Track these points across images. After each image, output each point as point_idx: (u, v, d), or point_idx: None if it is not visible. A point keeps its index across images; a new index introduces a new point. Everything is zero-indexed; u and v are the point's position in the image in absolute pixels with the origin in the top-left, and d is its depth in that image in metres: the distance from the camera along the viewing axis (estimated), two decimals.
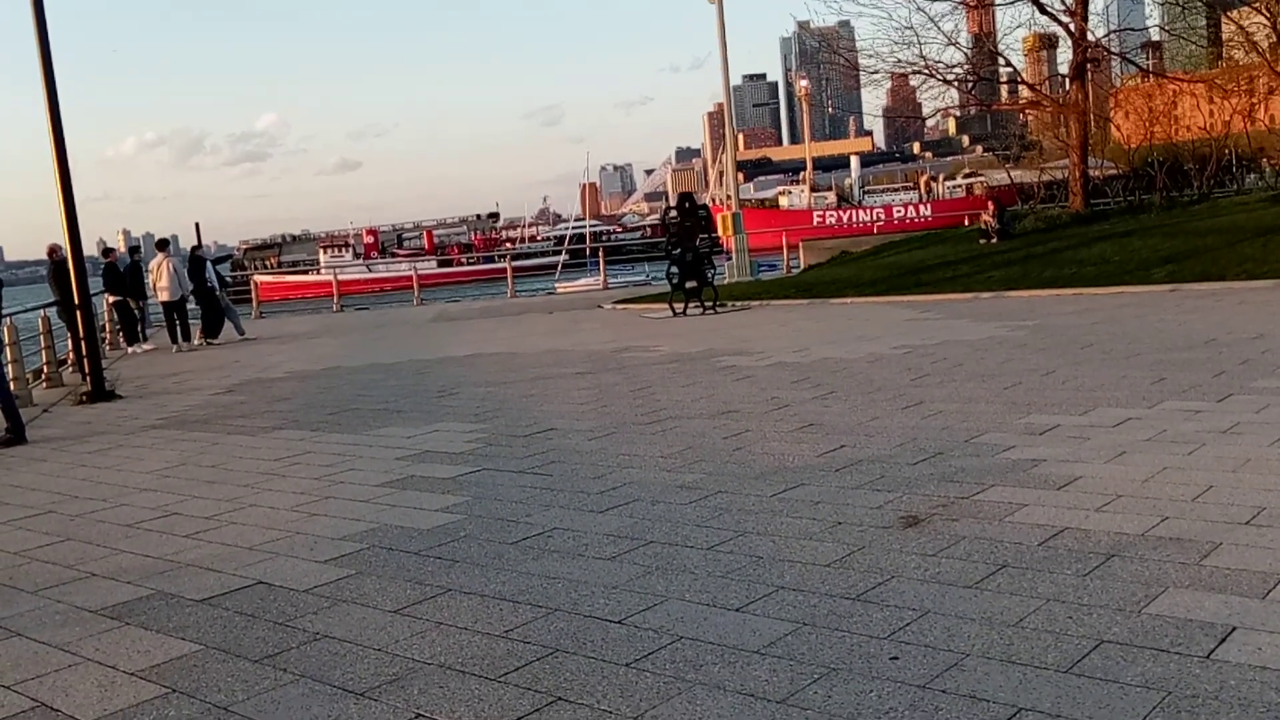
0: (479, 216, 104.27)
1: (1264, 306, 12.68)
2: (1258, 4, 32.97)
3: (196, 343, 20.41)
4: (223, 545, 5.86)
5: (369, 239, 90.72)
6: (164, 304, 20.29)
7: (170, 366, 17.08)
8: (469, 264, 70.84)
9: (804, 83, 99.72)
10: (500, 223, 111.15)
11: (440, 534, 5.69)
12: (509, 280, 31.65)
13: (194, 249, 23.14)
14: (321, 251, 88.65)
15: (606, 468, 6.96)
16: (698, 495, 6.05)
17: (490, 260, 67.75)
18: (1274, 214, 20.30)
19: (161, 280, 20.00)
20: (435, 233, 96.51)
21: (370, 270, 70.53)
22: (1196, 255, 17.32)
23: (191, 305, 21.12)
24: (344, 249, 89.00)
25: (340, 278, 36.08)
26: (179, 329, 20.15)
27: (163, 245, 21.07)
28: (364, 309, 32.46)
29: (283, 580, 5.11)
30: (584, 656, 3.88)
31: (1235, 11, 42.62)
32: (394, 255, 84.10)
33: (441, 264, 71.99)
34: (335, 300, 31.82)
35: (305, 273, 71.07)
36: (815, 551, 4.89)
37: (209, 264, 21.43)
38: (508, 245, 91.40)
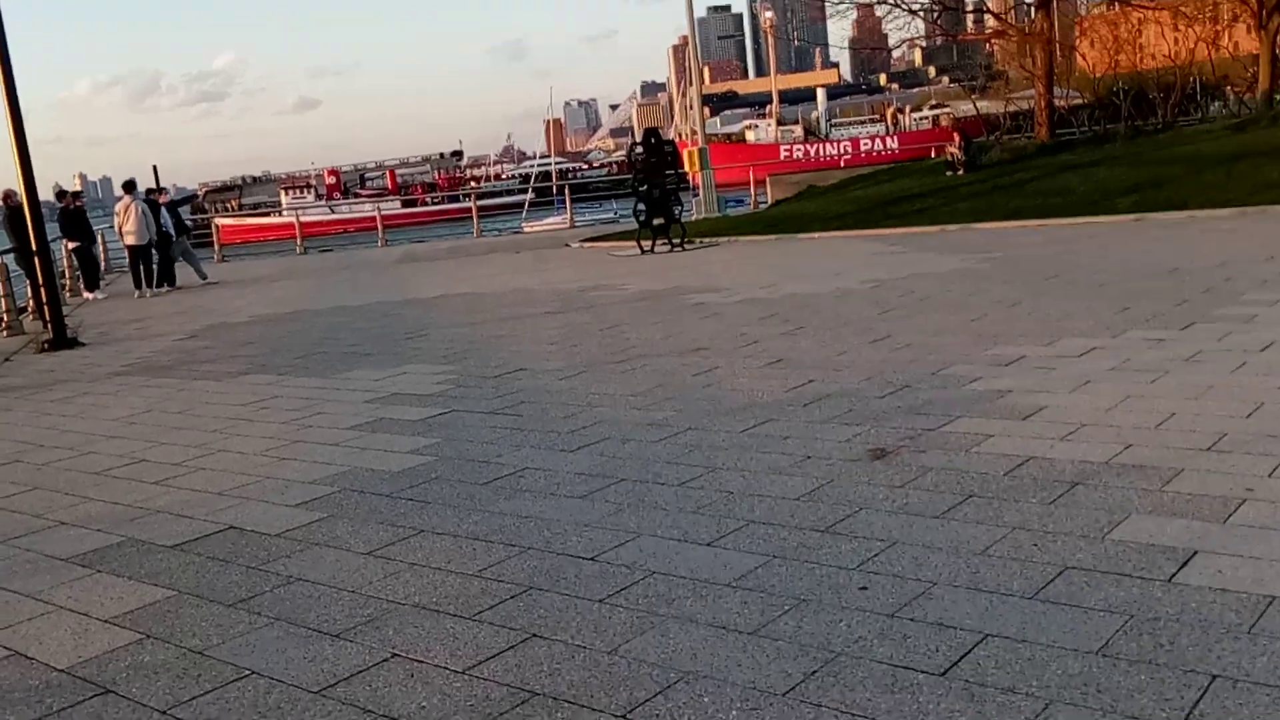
0: (442, 155, 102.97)
1: (1227, 235, 12.80)
2: None
3: (159, 289, 20.10)
4: (192, 491, 5.84)
5: (331, 180, 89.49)
6: (130, 248, 19.85)
7: (132, 312, 16.88)
8: (433, 204, 70.20)
9: (769, 14, 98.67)
10: (464, 161, 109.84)
11: (411, 475, 5.69)
12: (474, 220, 31.37)
13: (149, 192, 22.54)
14: (283, 193, 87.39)
15: (576, 407, 6.97)
16: (668, 432, 6.08)
17: (455, 200, 67.14)
18: (1237, 142, 20.41)
19: (128, 224, 19.55)
20: (398, 172, 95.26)
21: (333, 211, 69.61)
22: (1161, 184, 17.40)
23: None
24: (306, 190, 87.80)
25: (303, 219, 35.53)
26: (143, 274, 19.80)
27: (129, 187, 20.48)
28: (328, 250, 32.09)
29: (254, 525, 5.11)
30: (557, 594, 3.91)
31: None
32: (357, 196, 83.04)
33: (405, 204, 71.27)
34: (299, 242, 31.44)
35: (267, 215, 70.19)
36: (785, 485, 4.93)
37: (163, 209, 20.91)
38: (473, 184, 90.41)
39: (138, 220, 19.54)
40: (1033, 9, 28.65)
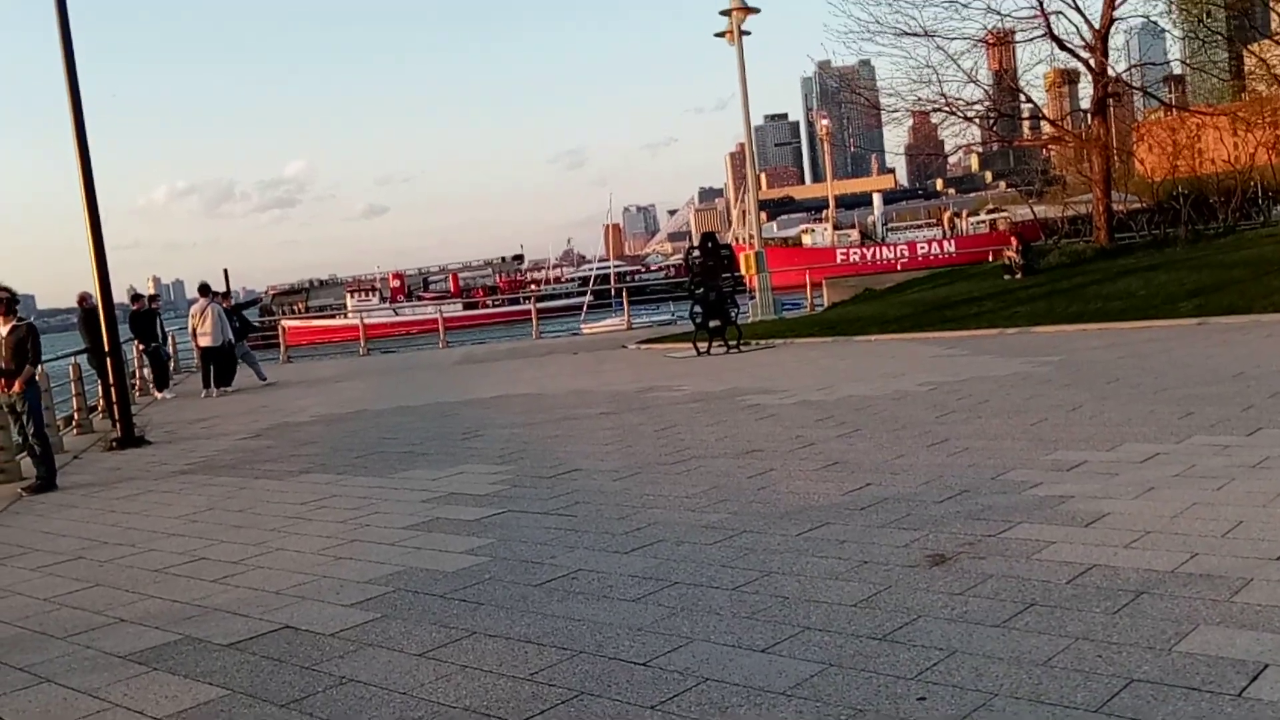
0: (504, 259, 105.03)
1: None
2: (1278, 36, 32.99)
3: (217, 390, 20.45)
4: (249, 589, 5.88)
5: (395, 282, 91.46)
6: (202, 349, 20.26)
7: (199, 412, 17.23)
8: (494, 306, 71.27)
9: (825, 122, 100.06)
10: (525, 264, 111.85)
11: (465, 576, 5.70)
12: (534, 321, 31.79)
13: (215, 296, 23.05)
14: (348, 295, 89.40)
15: (631, 508, 6.96)
16: (723, 535, 6.04)
17: (515, 302, 68.17)
18: None
19: (204, 325, 20.00)
20: (460, 275, 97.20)
21: (396, 313, 70.99)
22: (1223, 288, 17.19)
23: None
24: (371, 293, 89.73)
25: (367, 321, 36.32)
26: (212, 374, 20.17)
27: (205, 290, 21.01)
28: (390, 352, 32.64)
29: (309, 624, 5.13)
30: (609, 699, 3.87)
31: (1256, 44, 42.63)
32: (420, 298, 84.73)
33: (467, 306, 72.46)
34: (362, 343, 32.03)
35: (332, 316, 71.68)
36: (841, 591, 4.86)
37: (227, 312, 21.38)
38: (533, 287, 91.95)
39: (214, 323, 20.03)
40: (1089, 115, 28.81)
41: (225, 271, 55.42)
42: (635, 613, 4.83)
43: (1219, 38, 38.30)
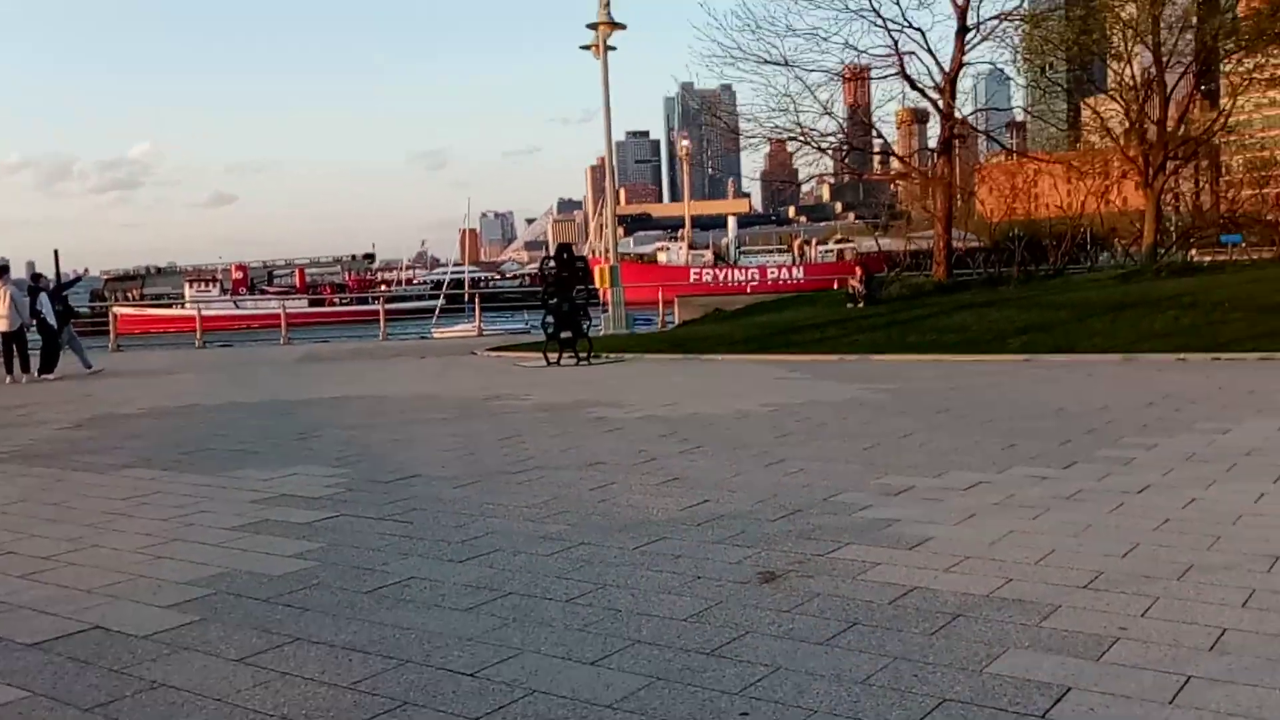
0: (354, 257, 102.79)
1: (1110, 379, 13.33)
2: (1113, 92, 35.01)
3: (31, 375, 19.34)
4: (59, 587, 5.58)
5: (238, 274, 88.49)
6: (1, 334, 19.08)
7: (14, 398, 16.28)
8: (342, 304, 69.62)
9: (685, 142, 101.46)
10: (376, 264, 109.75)
11: (292, 581, 5.53)
12: (382, 322, 31.20)
13: (34, 278, 21.72)
14: (187, 285, 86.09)
15: (469, 517, 6.88)
16: (560, 546, 6.02)
17: (364, 301, 66.72)
18: (1122, 291, 21.42)
19: (0, 309, 18.88)
20: (308, 271, 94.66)
21: (237, 306, 68.64)
22: (1050, 328, 18.12)
23: (33, 336, 20.08)
24: (211, 284, 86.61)
25: (205, 313, 35.00)
26: (18, 360, 19.07)
27: (2, 271, 19.79)
28: (228, 346, 31.51)
29: (121, 625, 4.89)
30: (433, 710, 3.80)
31: (1092, 98, 45.15)
32: (263, 292, 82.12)
33: (313, 303, 70.54)
34: (198, 335, 30.84)
35: (169, 306, 68.82)
36: (673, 605, 4.90)
37: (44, 295, 20.20)
38: (383, 287, 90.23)
39: (9, 305, 18.88)
40: (935, 154, 30.00)
41: (56, 253, 52.82)
42: (466, 622, 4.77)
43: (1059, 89, 40.44)
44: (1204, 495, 6.72)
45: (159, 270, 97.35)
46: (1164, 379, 12.96)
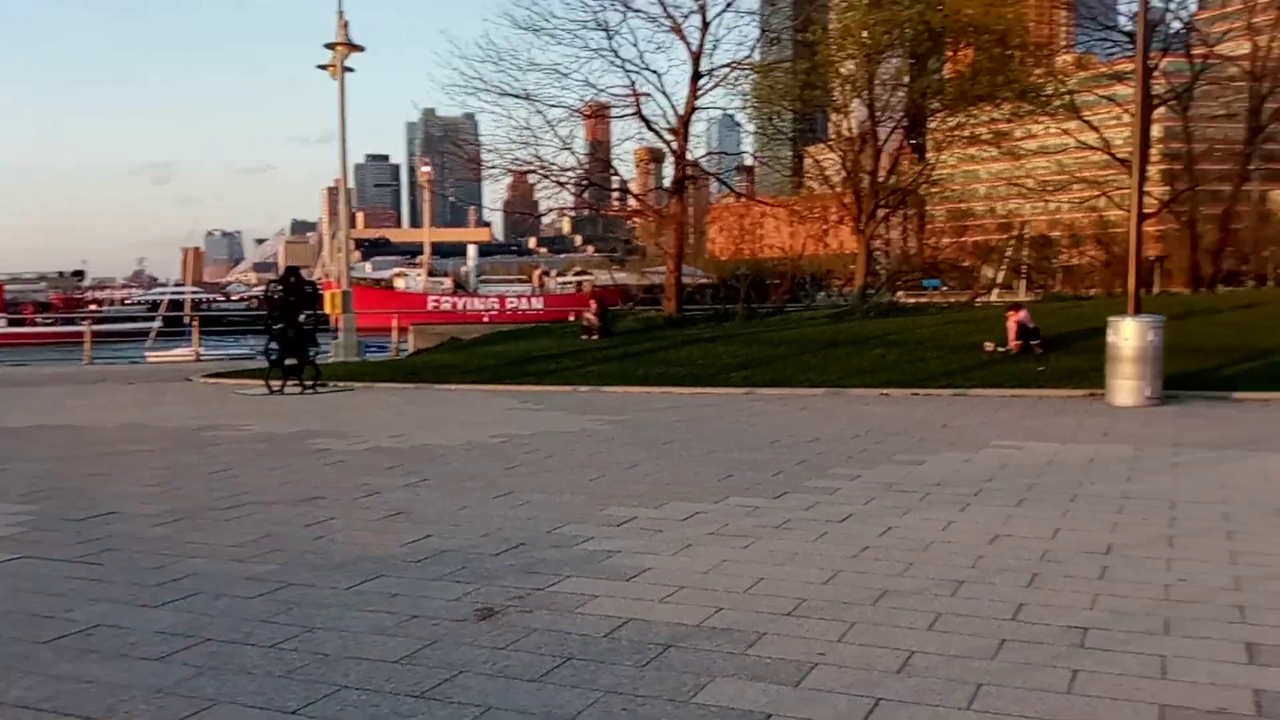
0: (61, 274, 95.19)
1: (822, 412, 14.09)
2: (832, 142, 37.32)
3: None
4: None
5: None
6: None
7: None
8: (45, 325, 64.20)
9: (427, 168, 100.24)
10: (86, 282, 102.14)
11: None
12: (87, 344, 28.95)
13: None
14: None
15: (169, 557, 6.43)
16: (267, 588, 5.72)
17: (71, 322, 61.79)
18: (835, 330, 22.74)
19: None
20: (8, 288, 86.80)
21: None
22: (770, 362, 18.99)
23: None
24: None
25: None
26: None
27: None
28: None
29: None
30: None
31: (814, 147, 47.94)
32: None
33: (12, 323, 64.68)
34: None
35: None
36: (385, 647, 4.75)
37: None
38: (93, 307, 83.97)
39: None
40: (669, 194, 30.98)
41: None
42: (156, 673, 4.44)
43: (785, 137, 42.73)
44: (899, 524, 7.18)
45: None
46: (869, 412, 13.82)
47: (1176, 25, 38.34)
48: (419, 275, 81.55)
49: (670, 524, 7.24)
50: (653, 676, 4.36)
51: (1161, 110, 39.84)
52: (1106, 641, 4.75)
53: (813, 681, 4.31)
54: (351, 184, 29.17)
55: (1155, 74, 36.08)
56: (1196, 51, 38.57)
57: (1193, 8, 40.46)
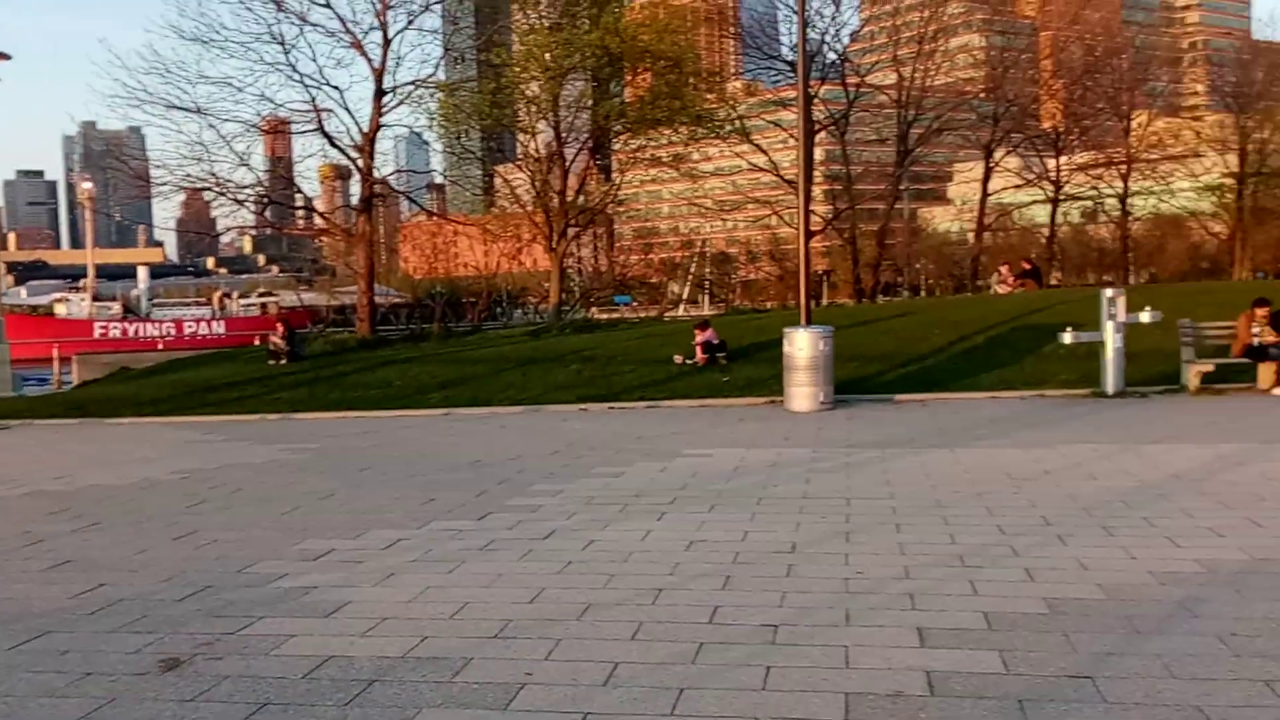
0: None
1: (522, 429, 14.16)
2: (521, 162, 37.72)
3: None
4: None
5: None
6: None
7: None
8: None
9: (88, 185, 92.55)
10: None
11: None
12: None
13: None
14: None
15: None
16: None
17: None
18: (532, 347, 22.94)
19: None
20: None
21: None
22: (468, 382, 18.91)
23: None
24: None
25: None
26: None
27: None
28: None
29: None
30: None
31: (504, 167, 48.27)
32: None
33: None
34: None
35: None
36: (56, 710, 4.35)
37: None
38: None
39: None
40: (356, 212, 30.23)
41: None
42: None
43: (474, 156, 42.76)
44: (601, 536, 7.34)
45: None
46: (568, 428, 14.04)
47: (832, 56, 41.65)
48: (83, 300, 75.22)
49: (371, 554, 7.04)
50: (357, 714, 4.23)
51: (822, 135, 43.16)
52: (795, 636, 5.05)
53: (521, 702, 4.32)
54: (1, 202, 26.53)
55: (815, 101, 39.05)
56: (850, 81, 42.03)
57: (846, 40, 43.89)
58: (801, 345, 14.92)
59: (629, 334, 24.89)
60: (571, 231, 35.41)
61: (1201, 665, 4.53)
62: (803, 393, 14.90)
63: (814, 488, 9.00)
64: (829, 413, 14.56)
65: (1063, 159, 48.41)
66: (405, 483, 9.97)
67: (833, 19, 60.94)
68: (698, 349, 18.79)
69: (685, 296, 73.80)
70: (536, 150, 34.51)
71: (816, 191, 46.95)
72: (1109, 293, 15.56)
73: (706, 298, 78.88)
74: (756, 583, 6.01)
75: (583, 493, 9.08)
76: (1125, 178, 48.95)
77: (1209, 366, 15.08)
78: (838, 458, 10.62)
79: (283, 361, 23.35)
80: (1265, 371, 14.90)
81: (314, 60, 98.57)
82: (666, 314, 56.72)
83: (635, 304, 66.88)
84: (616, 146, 39.09)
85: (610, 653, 4.89)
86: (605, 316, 49.28)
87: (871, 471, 9.76)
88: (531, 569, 6.51)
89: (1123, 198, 49.66)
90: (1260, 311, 15.01)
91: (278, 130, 32.30)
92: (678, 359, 18.93)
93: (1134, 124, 50.56)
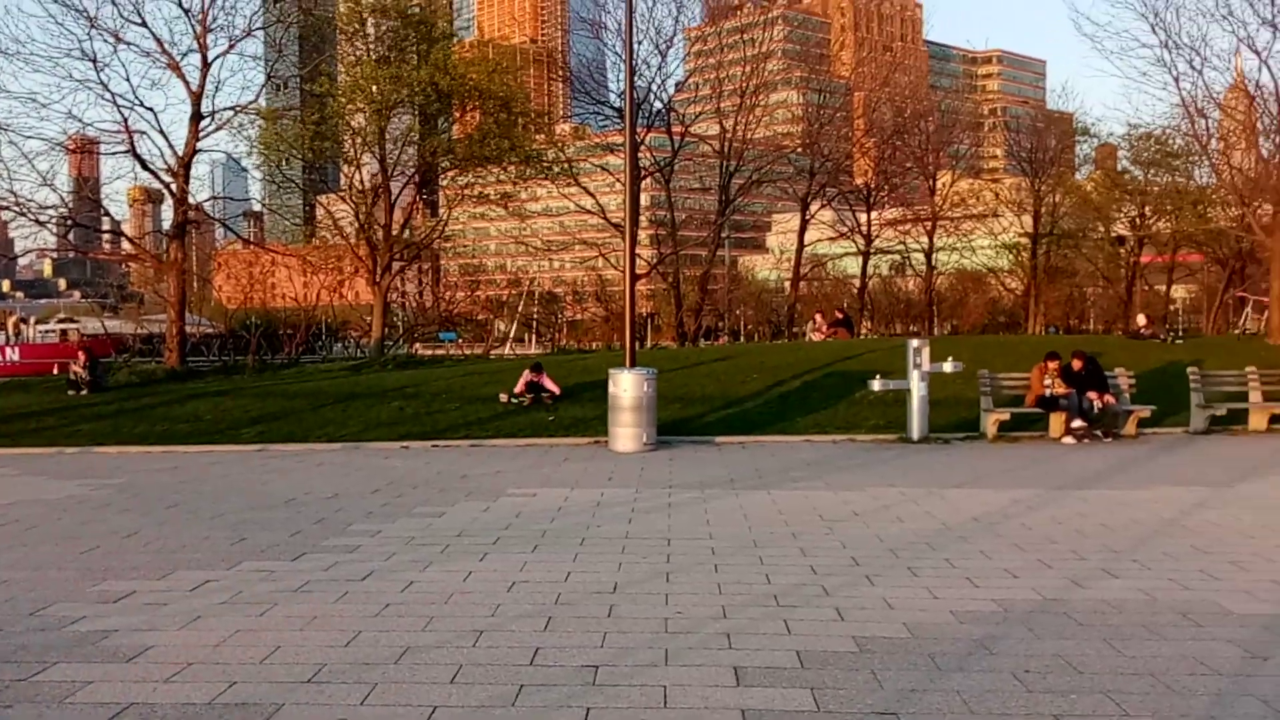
0: None
1: (340, 467, 13.82)
2: (344, 194, 37.00)
3: None
4: None
5: None
6: None
7: None
8: None
9: None
10: None
11: None
12: None
13: None
14: None
15: None
16: None
17: None
18: (353, 382, 22.44)
19: None
20: None
21: None
22: (284, 416, 18.33)
23: None
24: None
25: None
26: None
27: None
28: None
29: None
30: None
31: (327, 197, 47.28)
32: None
33: None
34: None
35: None
36: None
37: None
38: None
39: None
40: (168, 238, 29.01)
41: None
42: None
43: (295, 186, 41.70)
44: (421, 578, 7.24)
45: None
46: (389, 466, 13.77)
47: (659, 105, 42.59)
48: None
49: (176, 596, 6.75)
50: None
51: (648, 180, 44.00)
52: (615, 677, 5.10)
53: None
54: None
55: (642, 148, 39.82)
56: (676, 130, 43.07)
57: (672, 90, 44.97)
58: (626, 386, 15.11)
59: (454, 371, 24.64)
60: (396, 266, 34.91)
61: (998, 700, 4.80)
62: (627, 433, 15.07)
63: (636, 528, 9.10)
64: (652, 453, 14.76)
65: (873, 214, 50.81)
66: (214, 521, 9.59)
67: (659, 69, 62.49)
68: (521, 384, 18.77)
69: (512, 335, 73.57)
70: (361, 182, 33.98)
71: (642, 236, 47.80)
72: (915, 343, 16.37)
73: (533, 337, 78.83)
74: (578, 623, 6.04)
75: (403, 533, 8.93)
76: (930, 234, 51.76)
77: (1005, 415, 16.00)
78: (660, 498, 10.78)
79: (84, 392, 22.12)
80: (1056, 421, 15.95)
81: (127, 80, 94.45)
82: (493, 352, 56.39)
83: (461, 341, 66.22)
84: (444, 182, 38.85)
85: (429, 696, 4.84)
86: (430, 353, 48.56)
87: (692, 512, 9.94)
88: (348, 611, 6.36)
89: (928, 253, 52.40)
90: (1052, 365, 16.06)
91: (85, 150, 30.79)
92: (503, 397, 18.86)
93: (939, 183, 53.58)
